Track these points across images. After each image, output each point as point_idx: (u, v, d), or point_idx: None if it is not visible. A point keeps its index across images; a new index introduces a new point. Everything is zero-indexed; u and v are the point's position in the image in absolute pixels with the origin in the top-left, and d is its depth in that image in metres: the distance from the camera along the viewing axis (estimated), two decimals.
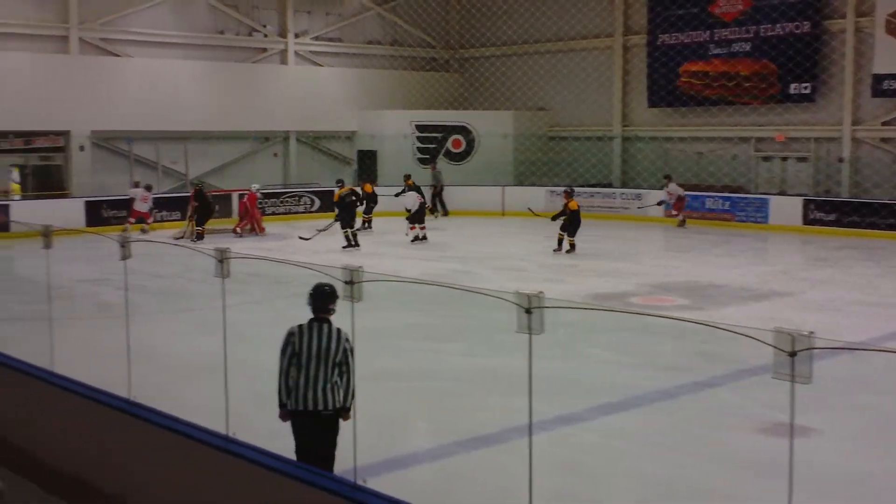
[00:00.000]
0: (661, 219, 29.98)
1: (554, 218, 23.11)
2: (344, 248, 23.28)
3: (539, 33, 36.11)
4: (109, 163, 30.13)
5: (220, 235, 25.52)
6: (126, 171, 30.26)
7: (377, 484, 7.40)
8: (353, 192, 24.72)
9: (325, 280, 7.17)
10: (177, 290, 18.20)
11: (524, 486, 5.60)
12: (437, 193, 32.64)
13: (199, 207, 25.55)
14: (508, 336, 5.50)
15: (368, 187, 28.32)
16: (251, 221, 26.98)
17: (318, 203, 31.54)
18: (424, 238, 24.74)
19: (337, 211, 24.23)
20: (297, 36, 34.59)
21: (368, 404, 7.53)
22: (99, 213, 27.31)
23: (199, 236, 25.16)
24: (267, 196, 30.35)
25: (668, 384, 11.46)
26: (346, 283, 6.15)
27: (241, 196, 27.68)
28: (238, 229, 26.71)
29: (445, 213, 32.32)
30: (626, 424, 10.09)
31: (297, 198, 31.75)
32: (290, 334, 7.23)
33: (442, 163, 34.79)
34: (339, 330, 7.20)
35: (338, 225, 23.93)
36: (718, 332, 12.14)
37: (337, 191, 24.69)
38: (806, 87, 29.45)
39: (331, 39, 35.79)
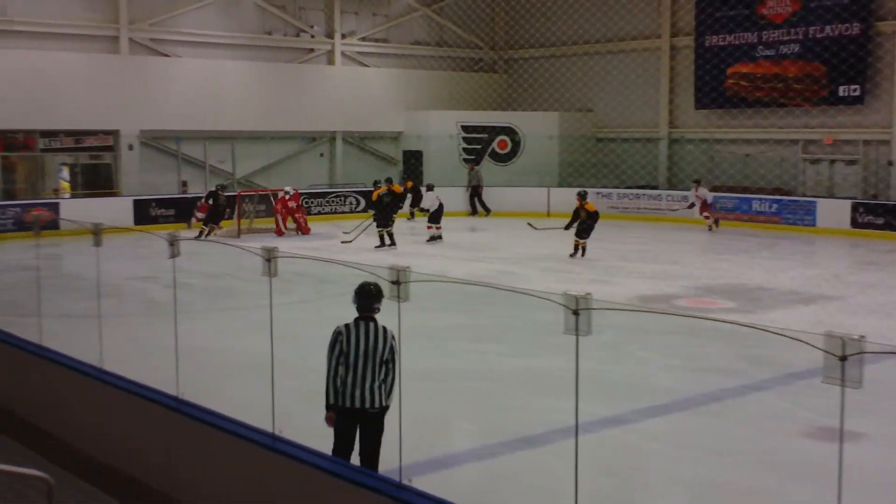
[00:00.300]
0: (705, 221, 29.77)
1: (567, 226, 22.38)
2: (377, 247, 23.39)
3: (586, 34, 35.96)
4: (157, 162, 30.44)
5: (265, 235, 25.69)
6: (174, 171, 30.60)
7: (421, 483, 7.41)
8: (391, 193, 24.75)
9: (371, 279, 7.20)
10: (225, 288, 18.33)
11: (569, 488, 5.58)
12: (477, 194, 32.63)
13: (211, 208, 26.01)
14: (554, 337, 5.49)
15: (404, 186, 29.04)
16: (294, 221, 27.06)
17: (363, 203, 31.59)
18: (440, 238, 24.88)
19: (374, 211, 24.48)
20: (343, 36, 34.73)
21: (414, 404, 7.52)
22: (147, 212, 27.63)
23: (204, 234, 25.71)
24: (312, 196, 30.55)
25: (714, 387, 11.36)
26: (393, 282, 6.16)
27: (274, 196, 27.78)
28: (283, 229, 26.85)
29: (487, 213, 32.34)
30: (671, 427, 10.02)
31: (342, 198, 31.90)
32: (338, 333, 7.23)
33: (487, 163, 34.80)
34: (385, 328, 7.23)
35: (374, 225, 24.11)
36: (766, 336, 12.03)
37: (375, 191, 24.79)
38: (855, 90, 29.07)
39: (377, 40, 35.90)
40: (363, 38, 35.39)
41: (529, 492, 8.23)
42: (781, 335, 4.97)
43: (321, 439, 7.20)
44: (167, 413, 7.63)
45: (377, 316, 7.28)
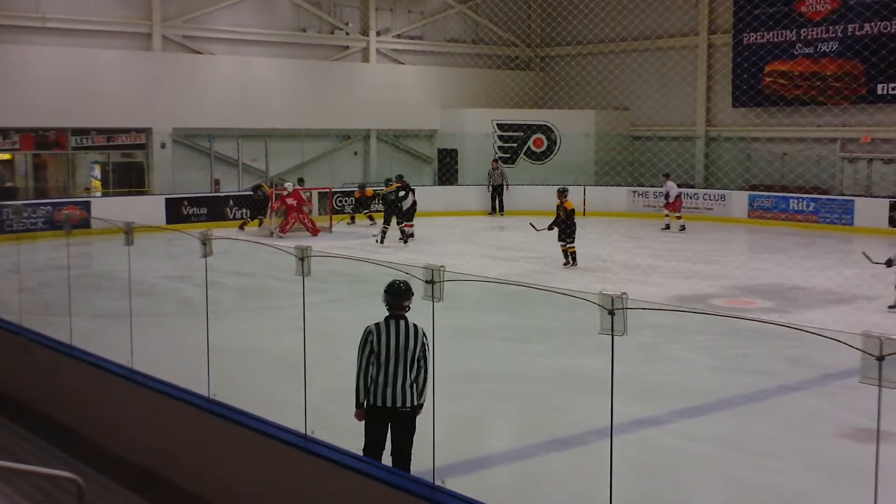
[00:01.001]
0: (744, 220, 29.59)
1: (551, 227, 20.96)
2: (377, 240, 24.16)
3: (622, 32, 35.78)
4: (190, 160, 30.54)
5: (299, 235, 25.69)
6: (206, 169, 30.68)
7: (455, 484, 7.35)
8: (398, 191, 24.70)
9: (402, 277, 7.17)
10: (258, 287, 18.37)
11: (604, 489, 5.52)
12: (499, 193, 32.52)
13: (254, 203, 26.49)
14: (591, 338, 5.43)
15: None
16: (298, 220, 26.24)
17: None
18: (412, 236, 24.66)
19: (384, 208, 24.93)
20: (378, 34, 34.74)
21: (447, 404, 7.51)
22: (179, 210, 27.70)
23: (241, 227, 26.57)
24: (346, 195, 30.51)
25: (752, 388, 11.26)
26: (427, 282, 6.12)
27: (276, 195, 26.79)
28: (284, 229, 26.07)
29: (501, 213, 32.30)
30: (709, 428, 9.93)
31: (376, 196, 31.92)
32: (368, 332, 7.20)
33: (523, 162, 34.72)
34: (416, 326, 7.21)
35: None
36: (803, 336, 11.84)
37: (383, 189, 25.14)
38: (894, 88, 28.74)
39: (412, 37, 35.89)
40: (398, 36, 35.39)
41: (563, 493, 8.17)
42: (819, 335, 4.91)
43: (354, 440, 7.17)
44: (198, 413, 7.63)
45: (410, 315, 7.25)
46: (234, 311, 15.57)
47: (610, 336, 5.24)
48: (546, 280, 18.49)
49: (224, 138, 30.90)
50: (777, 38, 31.28)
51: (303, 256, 7.00)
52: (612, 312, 5.19)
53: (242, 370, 11.46)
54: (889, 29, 28.63)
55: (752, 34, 32.03)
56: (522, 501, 7.95)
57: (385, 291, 7.27)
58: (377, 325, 7.21)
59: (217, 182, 30.54)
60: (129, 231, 9.12)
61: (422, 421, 7.24)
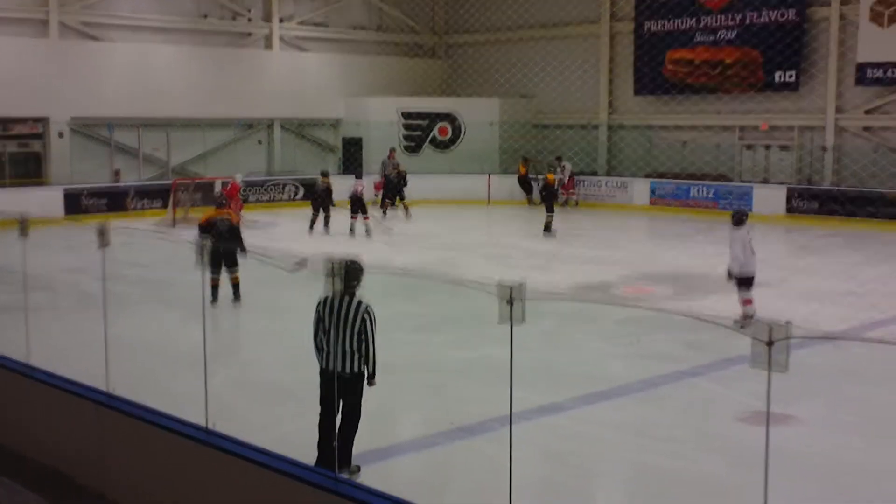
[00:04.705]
0: (646, 207, 30.10)
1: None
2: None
3: (525, 19, 35.94)
4: (89, 150, 29.85)
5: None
6: (106, 159, 30.06)
7: (362, 475, 7.39)
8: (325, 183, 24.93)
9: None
10: (160, 279, 18.10)
11: (506, 475, 5.60)
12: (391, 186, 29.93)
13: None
14: (493, 327, 5.50)
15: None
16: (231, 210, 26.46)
17: (301, 192, 31.38)
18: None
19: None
20: (281, 20, 34.38)
21: None
22: (78, 202, 27.09)
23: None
24: (250, 185, 30.16)
25: (653, 373, 11.48)
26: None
27: (223, 184, 27.29)
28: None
29: (392, 205, 29.74)
30: (610, 414, 10.12)
31: (280, 186, 31.64)
32: (318, 303, 7.89)
33: (428, 150, 34.77)
34: (360, 302, 7.85)
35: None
36: (699, 322, 12.20)
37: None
38: (790, 76, 29.46)
39: (316, 24, 35.61)
40: (301, 23, 35.10)
41: (468, 481, 8.27)
42: (712, 322, 5.04)
43: (258, 432, 7.16)
44: (97, 408, 7.53)
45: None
46: (136, 303, 15.32)
47: (510, 325, 5.32)
48: (453, 268, 18.57)
49: (124, 127, 30.29)
50: (678, 26, 31.77)
51: (202, 248, 6.96)
52: (510, 302, 5.27)
53: (144, 364, 11.32)
54: (784, 17, 29.31)
55: (653, 22, 32.48)
56: (428, 490, 8.02)
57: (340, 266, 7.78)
58: (326, 297, 7.82)
59: (117, 172, 29.94)
60: (23, 223, 8.94)
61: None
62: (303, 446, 7.55)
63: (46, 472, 7.99)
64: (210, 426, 6.79)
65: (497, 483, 7.42)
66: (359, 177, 25.74)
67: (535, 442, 8.90)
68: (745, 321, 12.93)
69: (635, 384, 11.09)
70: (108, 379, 7.73)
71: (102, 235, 7.97)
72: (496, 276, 5.90)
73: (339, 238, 23.34)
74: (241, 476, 6.37)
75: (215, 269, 14.82)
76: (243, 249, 14.75)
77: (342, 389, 7.80)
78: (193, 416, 7.00)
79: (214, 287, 14.90)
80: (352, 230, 24.28)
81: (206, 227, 15.43)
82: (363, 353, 7.83)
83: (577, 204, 30.79)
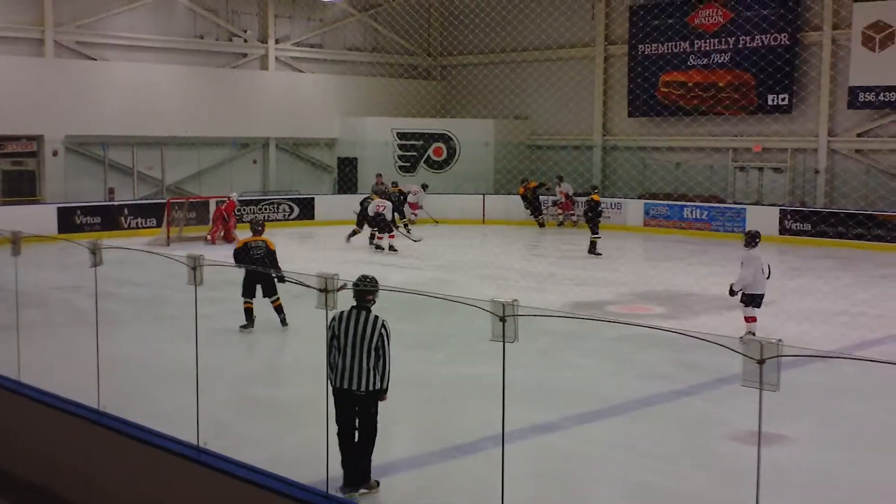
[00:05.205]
0: (640, 228, 30.13)
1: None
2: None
3: (521, 42, 36.14)
4: (83, 168, 29.84)
5: (195, 244, 25.33)
6: (100, 177, 30.03)
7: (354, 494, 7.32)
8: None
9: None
10: (153, 297, 18.04)
11: (500, 496, 5.56)
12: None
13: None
14: (488, 344, 5.48)
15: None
16: (224, 228, 26.59)
17: (297, 211, 31.40)
18: (382, 248, 24.77)
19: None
20: (277, 41, 34.51)
21: None
22: (72, 220, 26.99)
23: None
24: (245, 203, 30.12)
25: (646, 393, 11.46)
26: (321, 290, 6.12)
27: (219, 203, 27.29)
28: (210, 237, 26.44)
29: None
30: (604, 432, 10.08)
31: (275, 205, 31.59)
32: (332, 319, 7.70)
33: (423, 171, 34.82)
34: (376, 317, 7.79)
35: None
36: (695, 341, 12.09)
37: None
38: (783, 99, 29.59)
39: (312, 45, 35.72)
40: (297, 43, 35.20)
41: (461, 500, 8.21)
42: (704, 340, 5.03)
43: (251, 450, 7.12)
44: (87, 425, 7.48)
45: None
46: (128, 321, 15.28)
47: (508, 342, 5.31)
48: (447, 288, 18.52)
49: (119, 146, 30.32)
50: (672, 49, 31.93)
51: (195, 266, 6.94)
52: (503, 319, 5.25)
53: (136, 381, 11.26)
54: (777, 41, 29.48)
55: (647, 45, 32.64)
56: None
57: (353, 284, 7.76)
58: (341, 313, 7.67)
59: (111, 191, 29.94)
60: (15, 241, 8.91)
61: (318, 429, 7.21)
62: (295, 465, 7.50)
63: (35, 490, 7.93)
64: (202, 444, 6.74)
65: (489, 502, 7.38)
66: (382, 195, 26.02)
67: (529, 461, 8.85)
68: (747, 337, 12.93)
69: (629, 403, 11.05)
70: (100, 396, 7.69)
71: (95, 254, 7.95)
72: (490, 296, 5.89)
73: (330, 254, 23.32)
74: (233, 494, 6.32)
75: (248, 294, 14.42)
76: (281, 278, 14.15)
77: (360, 408, 7.78)
78: (185, 433, 6.96)
79: (247, 311, 14.51)
80: (378, 247, 24.60)
81: (240, 253, 14.99)
82: (380, 369, 7.76)
83: (574, 224, 30.95)
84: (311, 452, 7.65)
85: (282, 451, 8.86)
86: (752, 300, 13.83)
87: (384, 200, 25.03)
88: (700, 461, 9.23)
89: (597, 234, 24.08)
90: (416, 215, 30.80)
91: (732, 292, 13.94)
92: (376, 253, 24.18)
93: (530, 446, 9.21)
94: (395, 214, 28.06)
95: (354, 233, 25.44)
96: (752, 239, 14.24)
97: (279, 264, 14.81)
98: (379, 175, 30.54)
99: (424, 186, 31.53)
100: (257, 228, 15.34)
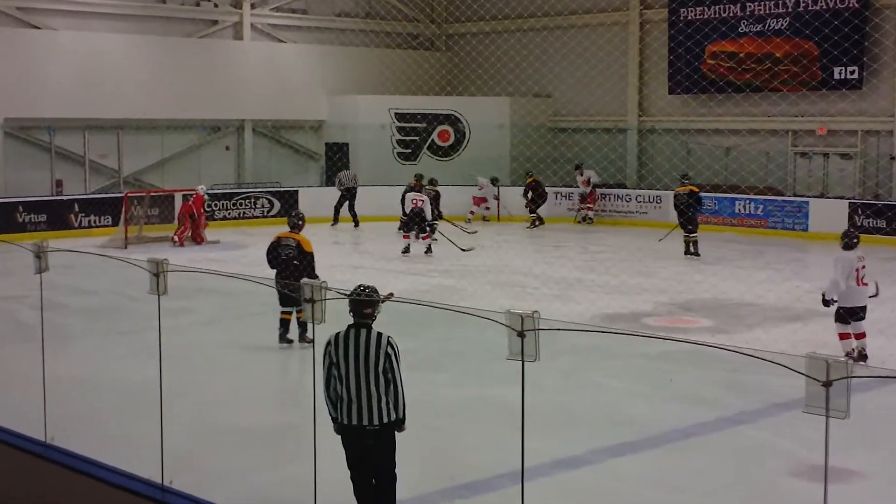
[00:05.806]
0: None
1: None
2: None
3: (540, 6, 35.94)
4: (26, 156, 29.88)
5: (158, 245, 25.35)
6: (46, 167, 30.06)
7: None
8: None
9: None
10: (108, 307, 18.09)
11: None
12: (349, 198, 30.92)
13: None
14: (502, 363, 5.49)
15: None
16: (192, 227, 26.72)
17: (277, 206, 31.37)
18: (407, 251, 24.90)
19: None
20: (253, 6, 34.48)
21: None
22: (13, 218, 27.07)
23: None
24: (216, 197, 30.09)
25: (688, 420, 11.44)
26: (307, 300, 6.14)
27: (185, 198, 27.28)
28: (177, 237, 26.49)
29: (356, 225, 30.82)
30: (639, 467, 10.06)
31: (252, 199, 31.58)
32: (327, 344, 7.45)
33: (426, 158, 34.81)
34: (379, 334, 7.44)
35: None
36: (747, 359, 12.08)
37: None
38: (852, 72, 29.48)
39: (294, 11, 35.72)
40: (277, 8, 35.22)
41: None
42: (759, 358, 5.01)
43: (220, 485, 7.15)
44: (33, 461, 7.51)
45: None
46: (80, 336, 15.32)
47: (521, 361, 5.31)
48: (455, 297, 18.55)
49: (68, 130, 30.35)
50: (720, 13, 31.85)
51: (158, 272, 6.97)
52: (521, 334, 5.25)
53: (89, 407, 11.30)
54: (846, 4, 29.34)
55: (691, 9, 32.56)
56: None
57: (348, 297, 7.49)
58: (336, 335, 7.43)
59: (59, 183, 30.01)
60: None
61: (305, 469, 7.22)
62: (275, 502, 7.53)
63: None
64: (167, 482, 6.77)
65: None
66: (417, 189, 25.98)
67: (550, 501, 8.86)
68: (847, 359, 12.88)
69: (668, 433, 11.04)
70: (47, 425, 7.72)
71: (40, 258, 7.98)
72: (506, 306, 5.90)
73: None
74: None
75: (285, 302, 13.88)
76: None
77: (372, 445, 7.51)
78: (148, 469, 6.99)
79: (283, 322, 14.13)
80: (406, 250, 24.63)
81: (270, 252, 14.66)
82: (390, 396, 7.48)
83: (591, 221, 31.40)
84: (294, 492, 7.69)
85: (258, 487, 8.88)
86: (851, 314, 13.81)
87: (420, 194, 25.10)
88: (752, 500, 9.21)
89: (694, 232, 24.39)
90: (488, 209, 32.38)
91: (826, 302, 13.95)
92: (379, 258, 24.17)
93: (553, 484, 9.21)
94: (438, 212, 27.94)
95: (407, 249, 24.88)
96: (844, 237, 14.36)
97: (316, 271, 14.32)
98: (419, 177, 28.61)
99: (494, 180, 32.28)
100: (295, 223, 15.03)
